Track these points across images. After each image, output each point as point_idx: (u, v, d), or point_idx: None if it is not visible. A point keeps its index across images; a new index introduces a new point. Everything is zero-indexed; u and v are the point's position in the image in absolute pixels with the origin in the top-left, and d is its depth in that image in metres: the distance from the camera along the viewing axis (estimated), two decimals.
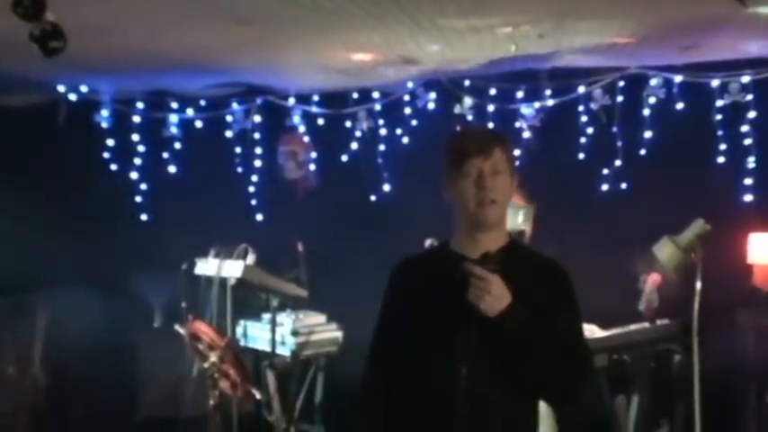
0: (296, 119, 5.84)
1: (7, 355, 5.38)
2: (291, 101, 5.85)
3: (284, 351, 4.74)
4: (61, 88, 5.59)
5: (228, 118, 5.91)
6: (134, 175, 5.97)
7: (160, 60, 4.88)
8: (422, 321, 2.21)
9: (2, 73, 4.91)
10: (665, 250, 4.09)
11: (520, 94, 5.37)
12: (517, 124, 5.37)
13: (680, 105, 5.12)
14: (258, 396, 4.13)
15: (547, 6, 3.93)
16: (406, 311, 2.26)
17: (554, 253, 2.34)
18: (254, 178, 5.95)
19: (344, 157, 5.77)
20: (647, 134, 5.21)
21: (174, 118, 5.93)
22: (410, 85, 5.54)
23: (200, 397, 4.20)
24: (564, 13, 4.02)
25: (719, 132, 5.11)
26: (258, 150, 5.92)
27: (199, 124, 5.94)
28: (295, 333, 4.73)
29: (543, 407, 2.25)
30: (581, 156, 5.35)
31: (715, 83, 5.05)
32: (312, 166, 5.91)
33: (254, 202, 5.97)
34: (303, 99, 5.84)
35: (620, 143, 5.25)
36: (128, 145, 5.92)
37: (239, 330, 4.92)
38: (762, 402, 4.65)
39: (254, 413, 4.85)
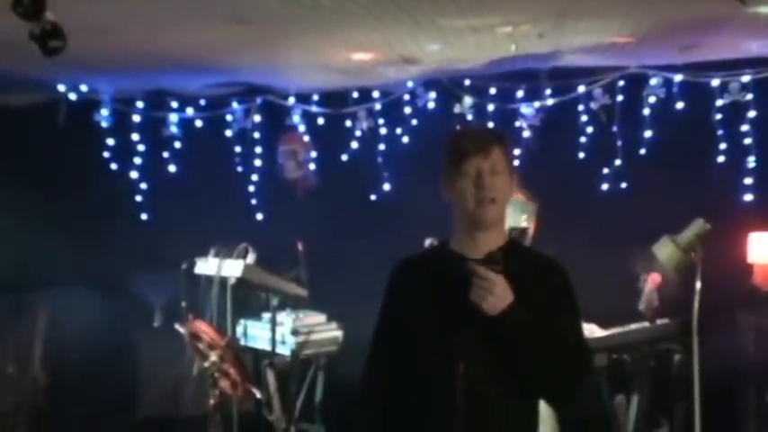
0: (296, 118, 5.84)
1: (7, 354, 5.37)
2: (291, 100, 5.84)
3: (284, 350, 4.74)
4: (61, 88, 5.59)
5: (228, 117, 5.91)
6: (134, 175, 5.97)
7: (160, 60, 4.88)
8: (422, 321, 2.21)
9: (2, 72, 4.91)
10: (664, 250, 4.10)
11: (520, 94, 5.37)
12: (517, 124, 5.37)
13: (680, 105, 5.12)
14: (258, 395, 4.14)
15: (547, 6, 3.93)
16: (405, 311, 2.26)
17: (554, 252, 2.34)
18: (254, 178, 5.95)
19: (344, 157, 5.77)
20: (647, 134, 5.21)
21: (173, 117, 5.92)
22: (410, 84, 5.54)
23: (200, 396, 4.20)
24: (564, 13, 4.02)
25: (719, 132, 5.11)
26: (258, 150, 5.92)
27: (199, 124, 5.94)
28: (295, 332, 4.73)
29: (544, 407, 2.25)
30: (581, 155, 5.35)
31: (715, 82, 5.05)
32: (312, 166, 5.91)
33: (254, 201, 5.97)
34: (303, 98, 5.84)
35: (619, 143, 5.25)
36: (128, 144, 5.92)
37: (239, 330, 4.92)
38: (762, 402, 4.65)
39: (255, 412, 4.85)
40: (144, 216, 6.01)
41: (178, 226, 5.47)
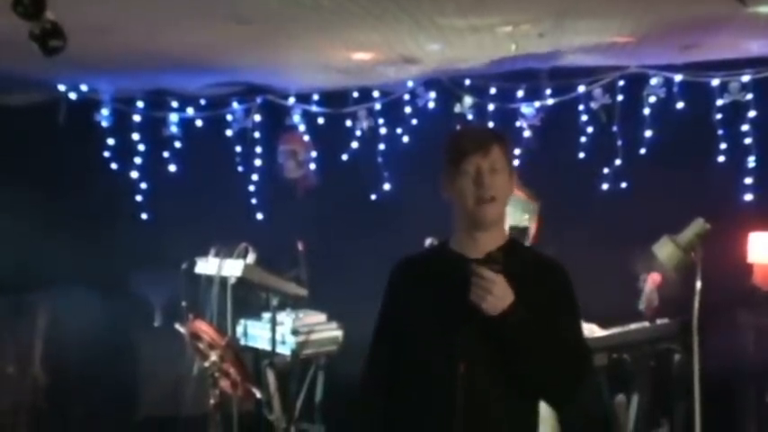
0: (296, 118, 5.84)
1: (7, 354, 5.37)
2: (291, 100, 5.84)
3: (284, 350, 4.75)
4: (61, 87, 5.59)
5: (229, 117, 5.91)
6: (134, 175, 5.97)
7: (160, 59, 4.88)
8: (422, 321, 2.21)
9: (2, 72, 4.91)
10: (665, 249, 4.10)
11: (520, 94, 5.37)
12: (517, 123, 5.37)
13: (680, 104, 5.12)
14: (258, 395, 4.14)
15: (547, 5, 3.93)
16: (405, 311, 2.26)
17: (554, 252, 2.34)
18: (255, 177, 5.95)
19: (344, 157, 5.77)
20: (648, 133, 5.21)
21: (174, 117, 5.92)
22: (410, 84, 5.54)
23: (200, 396, 4.20)
24: (564, 12, 4.02)
25: (719, 131, 5.11)
26: (258, 149, 5.92)
27: (199, 123, 5.94)
28: (295, 332, 4.73)
29: (545, 407, 2.25)
30: (581, 155, 5.35)
31: (715, 82, 5.05)
32: (312, 166, 5.91)
33: (254, 201, 5.97)
34: (303, 98, 5.84)
35: (620, 142, 5.25)
36: (128, 144, 5.92)
37: (239, 329, 4.92)
38: (762, 402, 4.64)
39: (255, 412, 4.85)
40: (144, 216, 6.01)
41: (178, 226, 5.48)
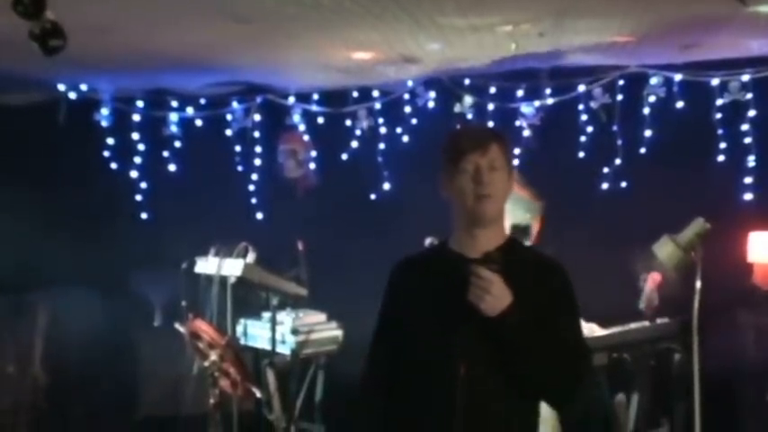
0: (296, 117, 5.84)
1: (7, 353, 5.37)
2: (291, 99, 5.84)
3: (284, 350, 4.74)
4: (61, 87, 5.59)
5: (228, 117, 5.91)
6: (134, 174, 5.97)
7: (160, 59, 4.88)
8: (422, 321, 2.20)
9: (2, 71, 4.91)
10: (665, 249, 4.10)
11: (520, 93, 5.37)
12: (517, 123, 5.37)
13: (680, 104, 5.12)
14: (258, 395, 4.14)
15: (547, 5, 3.93)
16: (405, 311, 2.26)
17: (554, 252, 2.34)
18: (254, 177, 5.94)
19: (344, 156, 5.77)
20: (647, 133, 5.21)
21: (174, 116, 5.92)
22: (410, 83, 5.54)
23: (200, 395, 4.20)
24: (564, 12, 4.02)
25: (719, 131, 5.10)
26: (258, 149, 5.92)
27: (199, 123, 5.94)
28: (295, 332, 4.73)
29: (546, 407, 2.25)
30: (581, 154, 5.35)
31: (715, 81, 5.05)
32: (312, 165, 5.91)
33: (254, 200, 5.97)
34: (303, 98, 5.84)
35: (620, 142, 5.24)
36: (128, 143, 5.92)
37: (239, 329, 4.92)
38: (762, 402, 4.64)
39: (255, 412, 4.85)
40: (144, 215, 6.01)
41: (178, 225, 5.48)
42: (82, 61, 4.53)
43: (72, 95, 5.64)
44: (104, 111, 5.82)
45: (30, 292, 5.43)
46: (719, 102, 5.06)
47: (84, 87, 5.64)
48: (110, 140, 5.91)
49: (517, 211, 3.93)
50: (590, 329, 4.04)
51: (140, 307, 5.70)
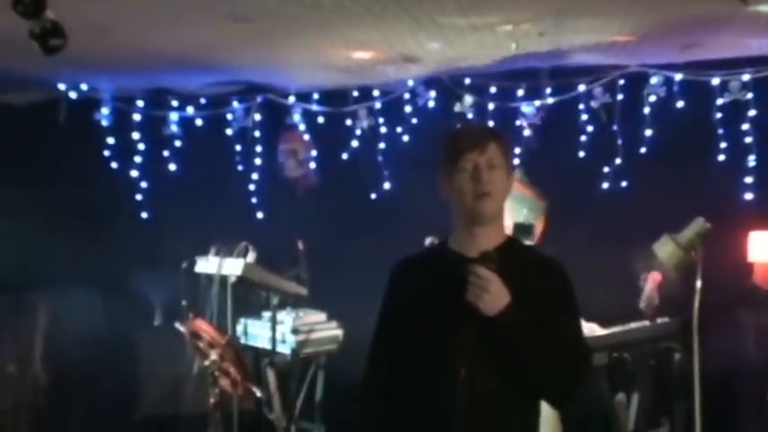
0: (296, 117, 5.84)
1: (7, 353, 5.37)
2: (292, 99, 5.84)
3: (284, 349, 4.74)
4: (61, 86, 5.59)
5: (229, 116, 5.91)
6: (134, 174, 5.97)
7: (160, 58, 4.88)
8: (421, 321, 2.20)
9: (2, 71, 4.91)
10: (665, 248, 4.10)
11: (520, 93, 5.37)
12: (518, 122, 5.37)
13: (680, 104, 5.12)
14: (258, 394, 4.14)
15: (547, 4, 3.93)
16: (405, 311, 2.26)
17: (554, 251, 2.34)
18: (255, 176, 5.95)
19: (345, 156, 5.77)
20: (648, 132, 5.20)
21: (174, 116, 5.92)
22: (410, 83, 5.54)
23: (200, 395, 4.19)
24: (564, 11, 4.02)
25: (720, 131, 5.10)
26: (258, 148, 5.92)
27: (199, 122, 5.94)
28: (295, 331, 4.73)
29: (546, 407, 2.25)
30: (581, 154, 5.35)
31: (715, 81, 5.05)
32: (312, 165, 5.91)
33: (254, 200, 5.97)
34: (303, 97, 5.84)
35: (620, 141, 5.24)
36: (128, 143, 5.92)
37: (240, 328, 4.92)
38: (762, 402, 4.64)
39: (255, 411, 4.85)
40: (144, 215, 6.01)
41: (178, 225, 5.47)
42: (82, 61, 4.54)
43: (72, 95, 5.64)
44: (104, 110, 5.82)
45: (30, 291, 5.43)
46: (720, 101, 5.06)
47: (84, 87, 5.64)
48: (110, 140, 5.91)
49: (520, 210, 3.93)
50: (590, 329, 4.04)
51: (140, 306, 5.71)
